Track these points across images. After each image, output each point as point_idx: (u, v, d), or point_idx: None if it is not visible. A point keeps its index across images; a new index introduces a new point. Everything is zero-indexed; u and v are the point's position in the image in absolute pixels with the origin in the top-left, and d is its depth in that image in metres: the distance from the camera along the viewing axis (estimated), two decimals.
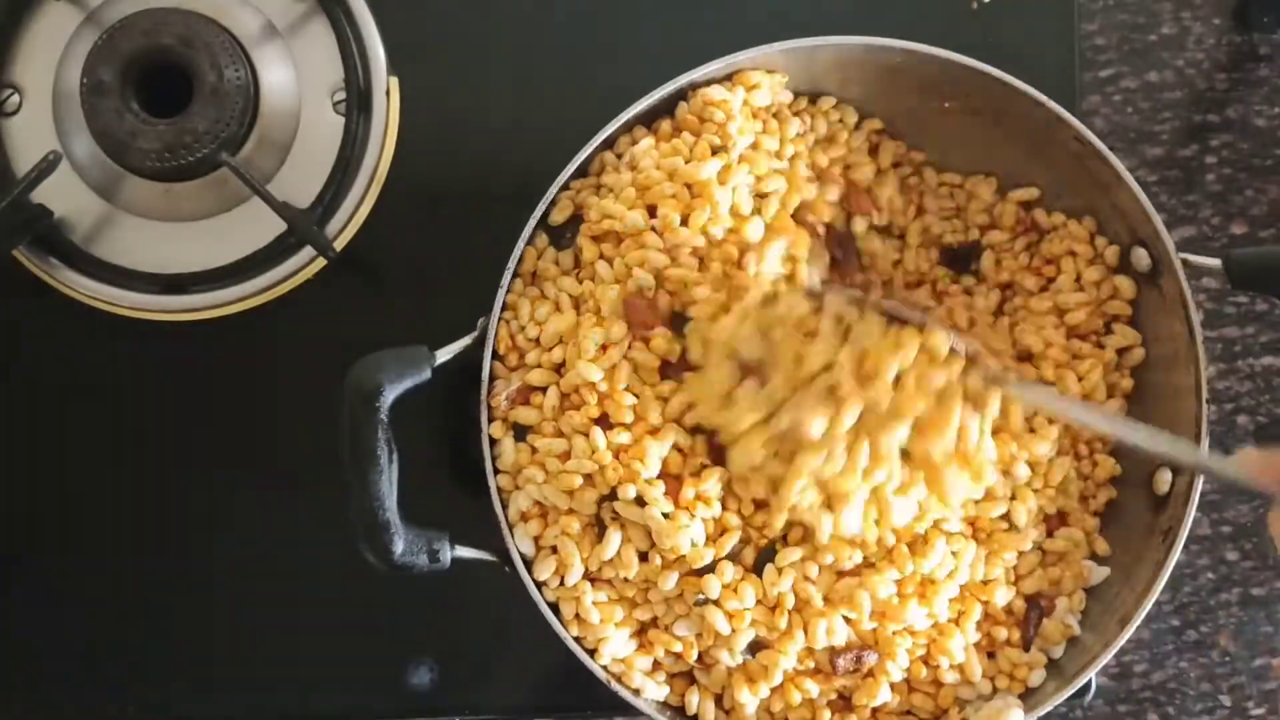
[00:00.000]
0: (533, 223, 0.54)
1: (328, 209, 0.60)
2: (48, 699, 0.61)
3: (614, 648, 0.53)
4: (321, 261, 0.60)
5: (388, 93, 0.61)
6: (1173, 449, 0.51)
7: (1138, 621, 0.52)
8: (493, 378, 0.53)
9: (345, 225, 0.61)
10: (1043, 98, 0.53)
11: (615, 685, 0.53)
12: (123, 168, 0.59)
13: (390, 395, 0.49)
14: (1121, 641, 0.52)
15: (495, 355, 0.53)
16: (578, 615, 0.53)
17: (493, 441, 0.53)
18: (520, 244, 0.54)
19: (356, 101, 0.60)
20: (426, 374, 0.50)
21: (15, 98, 0.61)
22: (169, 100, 0.58)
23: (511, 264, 0.53)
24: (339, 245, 0.60)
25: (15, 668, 0.61)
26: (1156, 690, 0.63)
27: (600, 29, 0.62)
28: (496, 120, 0.61)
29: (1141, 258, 0.55)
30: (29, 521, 0.61)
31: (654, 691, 0.54)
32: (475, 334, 0.53)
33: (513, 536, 0.52)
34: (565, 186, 0.55)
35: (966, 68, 0.54)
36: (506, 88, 0.61)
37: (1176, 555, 0.52)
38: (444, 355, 0.51)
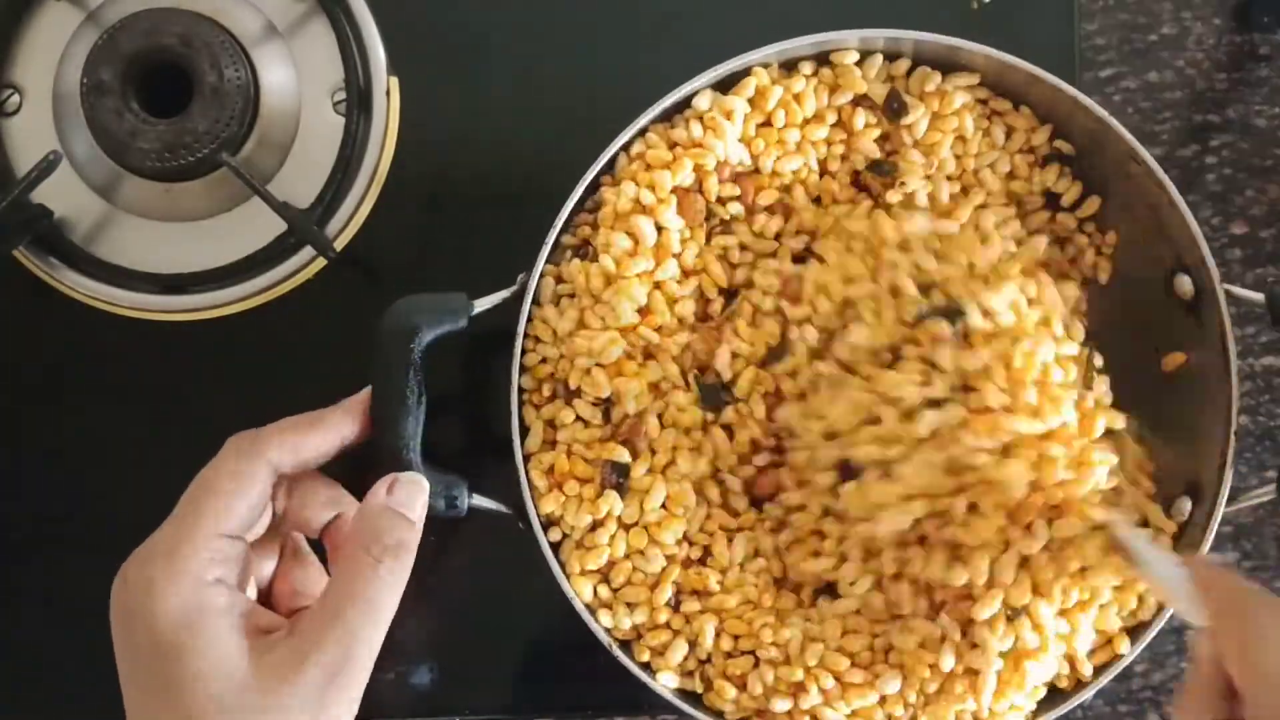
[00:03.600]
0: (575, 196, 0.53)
1: (328, 209, 0.60)
2: (47, 699, 0.61)
3: (620, 616, 0.53)
4: (321, 261, 0.60)
5: (388, 93, 0.61)
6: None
7: (1145, 642, 0.52)
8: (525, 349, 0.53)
9: (345, 225, 0.61)
10: (1102, 112, 0.53)
11: (617, 651, 0.52)
12: (123, 168, 0.59)
13: (426, 337, 0.49)
14: (1127, 661, 0.52)
15: (535, 303, 0.53)
16: (583, 572, 0.53)
17: (521, 391, 0.53)
18: (568, 205, 0.53)
19: (356, 101, 0.60)
20: (463, 322, 0.50)
21: (15, 98, 0.61)
22: (169, 100, 0.58)
23: (559, 221, 0.53)
24: (339, 245, 0.60)
25: (14, 668, 0.61)
26: (1156, 690, 0.63)
27: (600, 28, 0.62)
28: (496, 120, 0.61)
29: (1185, 284, 0.54)
30: (29, 521, 0.61)
31: (665, 669, 0.53)
32: (515, 288, 0.53)
33: (531, 492, 0.52)
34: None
35: (1030, 76, 0.54)
36: (506, 87, 0.61)
37: None
38: (482, 305, 0.51)
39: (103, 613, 0.56)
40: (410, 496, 0.47)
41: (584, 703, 0.60)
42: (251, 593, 0.48)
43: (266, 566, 0.50)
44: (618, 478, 0.52)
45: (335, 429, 0.48)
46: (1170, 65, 0.64)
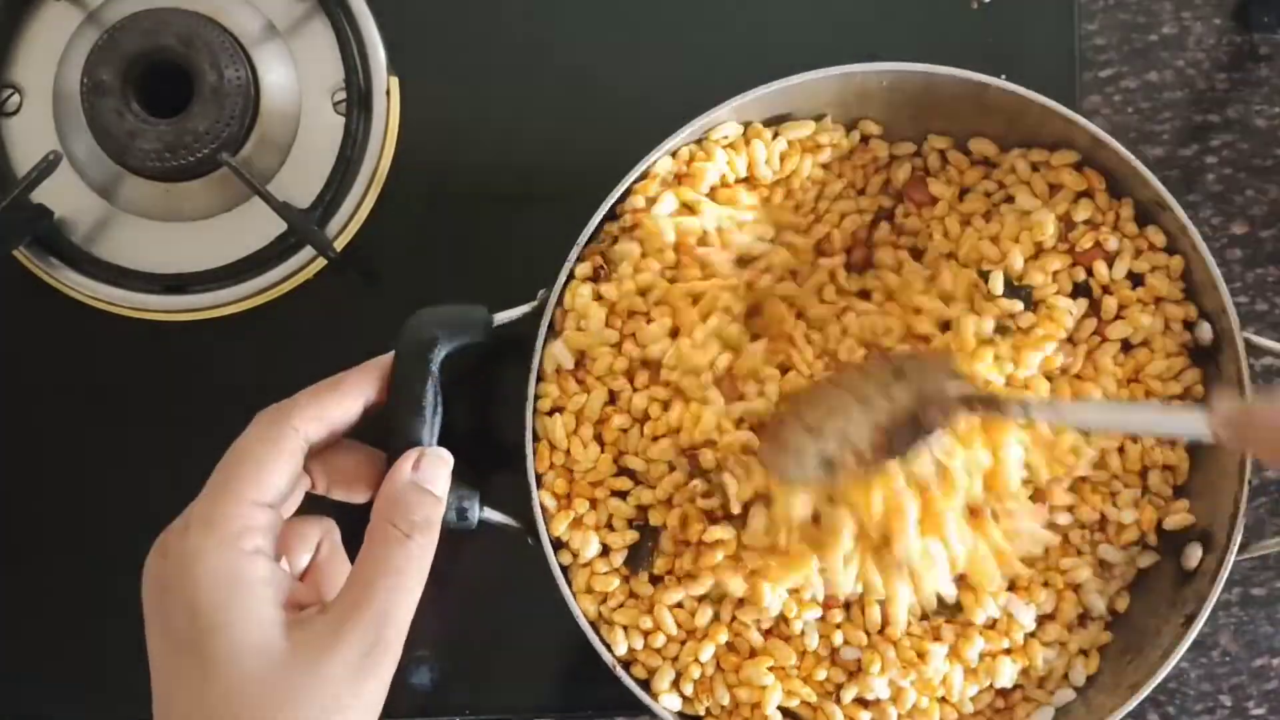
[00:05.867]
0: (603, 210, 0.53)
1: (328, 209, 0.60)
2: (46, 699, 0.61)
3: (628, 637, 0.53)
4: (321, 261, 0.60)
5: (388, 93, 0.61)
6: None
7: (1147, 691, 0.51)
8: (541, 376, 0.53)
9: (345, 225, 0.61)
10: (1127, 154, 0.52)
11: (620, 672, 0.52)
12: (123, 168, 0.60)
13: (444, 349, 0.49)
14: (1129, 708, 0.52)
15: (550, 327, 0.53)
16: (589, 590, 0.53)
17: (535, 411, 0.53)
18: (593, 222, 0.53)
19: (356, 101, 0.60)
20: (482, 335, 0.50)
21: (15, 98, 0.61)
22: (169, 100, 0.58)
23: (582, 238, 0.52)
24: (339, 245, 0.60)
25: (14, 666, 0.61)
26: (1156, 690, 0.62)
27: (601, 28, 0.62)
28: (496, 120, 0.61)
29: (1205, 331, 0.53)
30: (28, 521, 0.61)
31: (665, 691, 0.53)
32: (535, 303, 0.53)
33: (541, 510, 0.52)
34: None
35: (1054, 114, 0.53)
36: (507, 87, 0.61)
37: (1194, 634, 0.51)
38: (502, 318, 0.51)
39: (102, 611, 0.56)
40: (435, 471, 0.48)
41: (584, 703, 0.60)
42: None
43: (301, 559, 0.50)
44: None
45: (357, 391, 0.48)
46: (1170, 65, 0.64)
